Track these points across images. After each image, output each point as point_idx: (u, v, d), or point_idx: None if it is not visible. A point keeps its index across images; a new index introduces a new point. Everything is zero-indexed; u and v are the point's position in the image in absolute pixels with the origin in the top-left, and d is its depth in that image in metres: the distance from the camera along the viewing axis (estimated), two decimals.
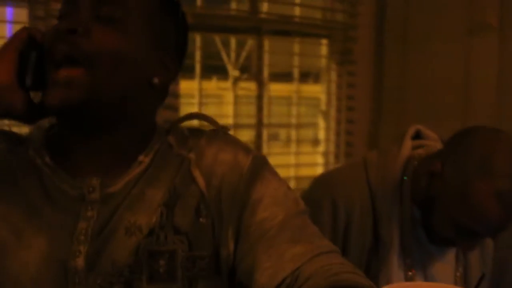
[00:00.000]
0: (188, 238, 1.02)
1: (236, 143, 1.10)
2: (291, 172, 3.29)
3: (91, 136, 1.03)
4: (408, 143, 1.57)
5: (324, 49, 3.50)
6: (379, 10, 3.42)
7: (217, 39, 3.24)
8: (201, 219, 1.03)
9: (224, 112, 3.28)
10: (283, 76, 3.50)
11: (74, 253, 0.99)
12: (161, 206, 1.02)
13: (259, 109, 3.17)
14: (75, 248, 0.99)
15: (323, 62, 3.51)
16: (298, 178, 3.30)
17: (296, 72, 3.45)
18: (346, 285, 0.92)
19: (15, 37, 1.02)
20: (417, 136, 1.62)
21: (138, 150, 1.06)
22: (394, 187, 1.52)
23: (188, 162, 1.06)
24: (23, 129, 1.18)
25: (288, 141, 3.52)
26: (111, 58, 0.98)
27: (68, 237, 1.00)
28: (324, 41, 3.49)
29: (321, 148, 3.49)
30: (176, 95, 2.74)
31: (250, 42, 3.27)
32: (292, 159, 3.37)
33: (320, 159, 3.48)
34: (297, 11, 3.42)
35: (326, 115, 3.47)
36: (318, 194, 1.56)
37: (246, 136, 3.19)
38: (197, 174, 1.05)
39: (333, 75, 3.46)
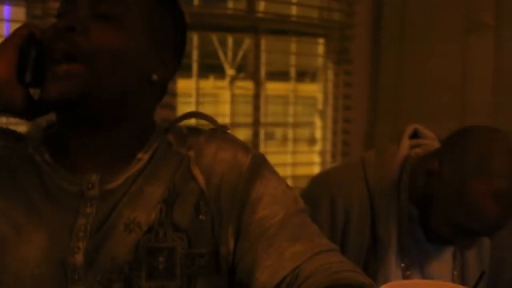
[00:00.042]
0: (187, 235, 1.02)
1: (235, 142, 1.10)
2: (288, 171, 3.29)
3: (90, 133, 1.04)
4: (406, 142, 1.57)
5: (321, 48, 3.51)
6: (376, 9, 3.43)
7: (214, 38, 3.25)
8: (200, 217, 1.03)
9: (221, 111, 3.28)
10: (280, 75, 3.50)
11: (73, 249, 0.99)
12: (161, 203, 1.03)
13: (256, 108, 3.17)
14: (74, 245, 0.99)
15: (320, 61, 3.51)
16: (295, 177, 3.30)
17: (293, 71, 3.45)
18: (346, 283, 0.92)
19: (15, 33, 1.02)
20: (415, 135, 1.62)
21: (137, 148, 1.07)
22: (392, 186, 1.53)
23: (188, 160, 1.06)
24: (19, 128, 1.18)
25: (285, 140, 3.53)
26: (109, 56, 0.99)
27: (67, 233, 1.00)
28: (321, 40, 3.49)
29: (318, 147, 3.49)
30: (174, 94, 2.74)
31: (247, 41, 3.27)
32: (289, 158, 3.38)
33: (317, 158, 3.48)
34: (294, 10, 3.43)
35: (323, 114, 3.48)
36: (317, 193, 1.56)
37: (242, 135, 3.19)
38: (196, 172, 1.05)
39: (330, 74, 3.46)
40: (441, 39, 3.14)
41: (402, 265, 1.53)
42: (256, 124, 3.17)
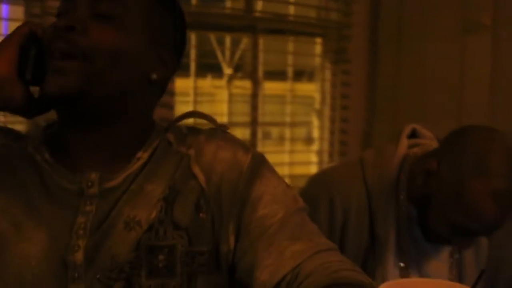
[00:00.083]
0: (187, 234, 1.02)
1: (235, 141, 1.11)
2: (285, 171, 3.30)
3: (89, 131, 1.04)
4: (404, 142, 1.57)
5: (318, 48, 3.51)
6: (373, 9, 3.44)
7: (212, 37, 3.25)
8: (201, 215, 1.03)
9: (219, 110, 3.28)
10: (277, 75, 3.51)
11: (73, 247, 0.99)
12: (161, 201, 1.03)
13: (254, 107, 3.17)
14: (74, 243, 1.00)
15: (318, 60, 3.52)
16: (292, 176, 3.31)
17: (290, 71, 3.45)
18: (346, 282, 0.93)
19: (16, 31, 1.02)
20: (413, 135, 1.63)
21: (136, 147, 1.07)
22: (390, 185, 1.53)
23: (188, 158, 1.07)
24: (16, 127, 1.18)
25: (282, 139, 3.53)
26: (108, 55, 0.99)
27: (67, 231, 1.00)
28: (319, 40, 3.50)
29: (315, 146, 3.50)
30: (171, 93, 2.75)
31: (245, 41, 3.28)
32: (286, 158, 3.38)
33: (314, 158, 3.49)
34: (291, 10, 3.43)
35: (320, 113, 3.48)
36: (315, 193, 1.56)
37: (240, 134, 3.19)
38: (196, 170, 1.06)
39: (328, 74, 3.47)
40: (438, 39, 3.15)
41: (401, 264, 1.53)
42: (254, 123, 3.18)
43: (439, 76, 3.16)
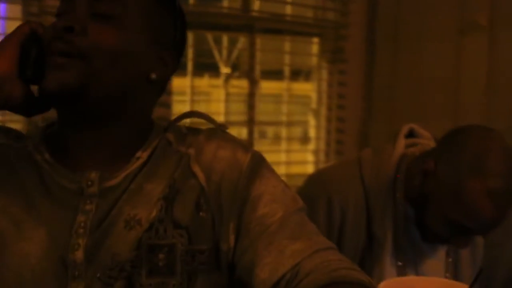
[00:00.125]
0: (187, 232, 1.02)
1: (234, 141, 1.11)
2: (282, 170, 3.30)
3: (89, 130, 1.04)
4: (402, 142, 1.58)
5: (315, 48, 3.52)
6: (370, 9, 3.44)
7: (209, 36, 3.25)
8: (201, 214, 1.04)
9: (215, 109, 3.29)
10: (274, 74, 3.51)
11: (73, 246, 1.00)
12: (161, 200, 1.03)
13: (251, 106, 3.18)
14: (74, 241, 1.00)
15: (314, 60, 3.52)
16: (288, 176, 3.31)
17: (287, 70, 3.46)
18: (345, 280, 0.93)
19: (17, 30, 1.03)
20: (411, 134, 1.63)
21: (136, 146, 1.07)
22: (388, 185, 1.53)
23: (188, 157, 1.07)
24: (13, 126, 1.18)
25: (277, 138, 3.54)
26: (108, 55, 1.00)
27: (67, 230, 1.01)
28: (315, 40, 3.50)
29: (311, 146, 3.50)
30: (169, 92, 2.75)
31: (242, 40, 3.28)
32: (283, 157, 3.39)
33: (310, 157, 3.50)
34: (288, 9, 3.44)
35: (316, 113, 3.49)
36: (313, 192, 1.56)
37: (236, 133, 3.19)
38: (196, 169, 1.06)
39: (324, 74, 3.47)
40: (435, 39, 3.16)
41: (398, 263, 1.54)
42: (250, 122, 3.18)
43: (435, 76, 3.17)
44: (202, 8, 3.09)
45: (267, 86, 3.42)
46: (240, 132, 3.18)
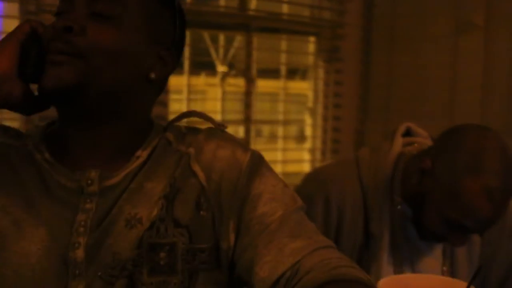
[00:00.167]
0: (188, 231, 1.03)
1: (234, 140, 1.12)
2: (278, 168, 3.31)
3: (89, 129, 1.05)
4: (399, 140, 1.58)
5: (311, 47, 3.53)
6: (367, 8, 3.45)
7: (206, 35, 3.25)
8: (201, 213, 1.04)
9: (212, 108, 3.29)
10: (271, 73, 3.52)
11: (74, 244, 1.00)
12: (161, 199, 1.03)
13: (247, 105, 3.18)
14: (74, 240, 1.00)
15: (311, 59, 3.53)
16: (284, 174, 3.32)
17: (283, 69, 3.47)
18: (345, 278, 0.94)
19: (18, 29, 1.02)
20: (407, 133, 1.64)
21: (135, 145, 1.07)
22: (385, 184, 1.54)
23: (188, 157, 1.07)
24: (12, 123, 1.18)
25: (274, 137, 3.54)
26: (107, 55, 1.00)
27: (67, 229, 1.01)
28: (312, 39, 3.51)
29: (307, 144, 3.51)
30: (165, 91, 2.74)
31: (239, 39, 3.28)
32: (279, 156, 3.39)
33: (306, 156, 3.50)
34: (285, 8, 3.44)
35: (313, 112, 3.50)
36: (311, 190, 1.56)
37: (233, 132, 3.18)
38: (197, 168, 1.06)
39: (321, 72, 3.48)
40: (431, 38, 3.17)
41: (396, 261, 1.54)
42: (247, 121, 3.19)
43: (431, 75, 3.18)
44: (199, 6, 3.09)
45: (263, 85, 3.43)
46: (236, 131, 3.19)
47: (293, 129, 3.62)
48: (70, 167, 1.04)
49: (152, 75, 1.06)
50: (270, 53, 3.51)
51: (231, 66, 3.30)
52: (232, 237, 1.04)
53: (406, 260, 1.56)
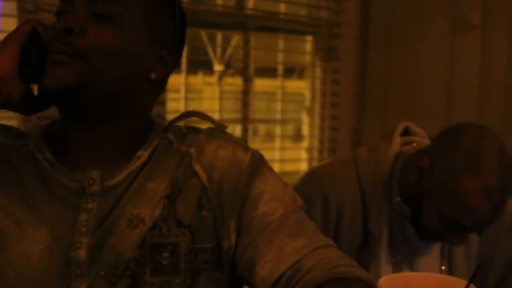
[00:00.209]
0: (190, 231, 1.03)
1: (234, 140, 1.12)
2: (275, 167, 3.29)
3: (90, 129, 1.05)
4: (397, 139, 1.59)
5: (309, 46, 3.53)
6: (364, 7, 3.46)
7: (204, 34, 3.26)
8: (203, 212, 1.04)
9: (209, 107, 3.29)
10: (268, 72, 3.52)
11: (76, 244, 1.00)
12: (163, 199, 1.04)
13: (245, 104, 3.18)
14: (76, 240, 1.00)
15: (308, 58, 3.53)
16: (282, 173, 3.32)
17: (280, 68, 3.47)
18: (345, 277, 0.94)
19: (18, 29, 1.02)
20: (406, 133, 1.64)
21: (136, 145, 1.08)
22: (384, 183, 1.54)
23: (189, 157, 1.08)
24: (10, 122, 1.18)
25: (271, 136, 3.54)
26: (107, 55, 1.00)
27: (69, 229, 1.01)
28: (309, 38, 3.51)
29: (305, 143, 3.51)
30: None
31: (236, 38, 3.29)
32: (276, 155, 3.40)
33: (304, 155, 3.51)
34: (282, 7, 3.44)
35: (310, 111, 3.50)
36: (310, 189, 1.56)
37: (230, 131, 3.18)
38: (198, 168, 1.07)
39: (318, 72, 3.48)
40: (428, 38, 3.17)
41: (394, 260, 1.55)
42: (244, 120, 3.19)
43: (428, 75, 3.18)
44: (197, 6, 3.09)
45: (261, 84, 3.43)
46: (234, 130, 3.19)
47: (290, 128, 3.62)
48: (71, 167, 1.04)
49: (153, 75, 1.06)
50: (267, 52, 3.52)
51: (228, 65, 3.30)
52: (233, 236, 1.05)
53: (404, 259, 1.57)
